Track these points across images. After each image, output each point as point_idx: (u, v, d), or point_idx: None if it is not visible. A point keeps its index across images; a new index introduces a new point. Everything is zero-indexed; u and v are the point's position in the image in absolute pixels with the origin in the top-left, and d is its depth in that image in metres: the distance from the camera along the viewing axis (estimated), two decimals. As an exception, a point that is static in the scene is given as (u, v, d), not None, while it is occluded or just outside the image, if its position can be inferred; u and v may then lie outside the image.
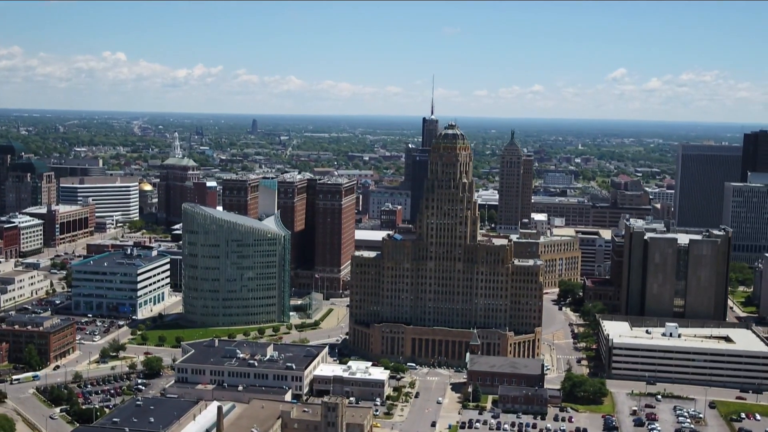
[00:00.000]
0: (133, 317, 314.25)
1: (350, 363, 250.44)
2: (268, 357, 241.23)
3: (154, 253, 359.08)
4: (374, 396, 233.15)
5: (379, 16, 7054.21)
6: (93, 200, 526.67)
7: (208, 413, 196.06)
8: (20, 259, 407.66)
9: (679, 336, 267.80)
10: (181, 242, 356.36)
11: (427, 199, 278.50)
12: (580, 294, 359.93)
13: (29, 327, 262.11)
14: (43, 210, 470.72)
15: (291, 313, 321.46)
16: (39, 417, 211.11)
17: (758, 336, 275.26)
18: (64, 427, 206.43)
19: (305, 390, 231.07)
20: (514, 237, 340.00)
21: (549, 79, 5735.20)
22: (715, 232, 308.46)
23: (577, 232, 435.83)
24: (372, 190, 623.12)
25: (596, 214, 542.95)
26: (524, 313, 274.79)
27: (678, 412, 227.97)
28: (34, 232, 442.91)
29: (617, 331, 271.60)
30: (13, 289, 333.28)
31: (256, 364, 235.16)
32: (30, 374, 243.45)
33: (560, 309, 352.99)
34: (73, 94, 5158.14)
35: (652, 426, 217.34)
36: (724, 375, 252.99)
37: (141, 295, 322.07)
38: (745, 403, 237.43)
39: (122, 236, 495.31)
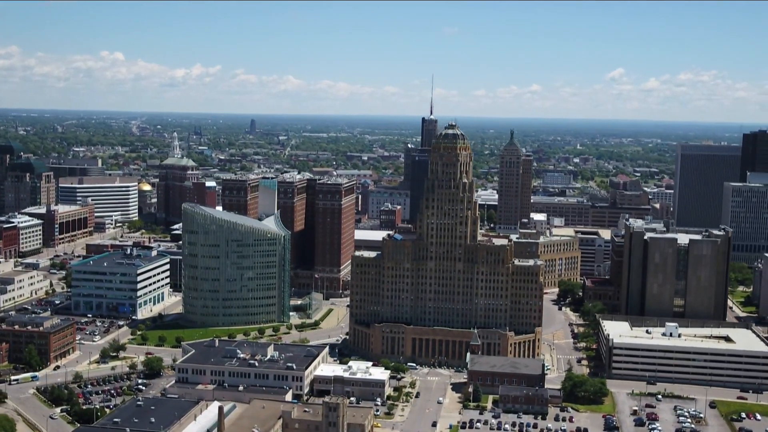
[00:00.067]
0: (133, 317, 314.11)
1: (351, 363, 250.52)
2: (268, 357, 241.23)
3: (154, 253, 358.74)
4: (375, 396, 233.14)
5: (378, 15, 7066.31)
6: (92, 200, 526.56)
7: (208, 413, 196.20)
8: (19, 259, 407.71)
9: (679, 336, 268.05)
10: (180, 242, 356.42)
11: (428, 199, 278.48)
12: (580, 294, 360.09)
13: (29, 327, 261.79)
14: (43, 210, 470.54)
15: (291, 313, 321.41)
16: (39, 417, 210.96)
17: (758, 336, 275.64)
18: (65, 427, 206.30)
19: (306, 390, 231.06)
20: (513, 237, 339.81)
21: (547, 79, 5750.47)
22: (715, 232, 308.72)
23: (576, 232, 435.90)
24: (371, 190, 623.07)
25: (595, 214, 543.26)
26: (524, 313, 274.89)
27: (678, 411, 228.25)
28: (33, 232, 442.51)
29: (617, 331, 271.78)
30: (13, 290, 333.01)
31: (257, 364, 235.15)
32: (29, 375, 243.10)
33: (560, 309, 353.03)
34: (71, 94, 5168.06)
35: (653, 426, 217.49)
36: (725, 375, 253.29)
37: (141, 295, 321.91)
38: (746, 403, 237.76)
39: (121, 236, 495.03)
